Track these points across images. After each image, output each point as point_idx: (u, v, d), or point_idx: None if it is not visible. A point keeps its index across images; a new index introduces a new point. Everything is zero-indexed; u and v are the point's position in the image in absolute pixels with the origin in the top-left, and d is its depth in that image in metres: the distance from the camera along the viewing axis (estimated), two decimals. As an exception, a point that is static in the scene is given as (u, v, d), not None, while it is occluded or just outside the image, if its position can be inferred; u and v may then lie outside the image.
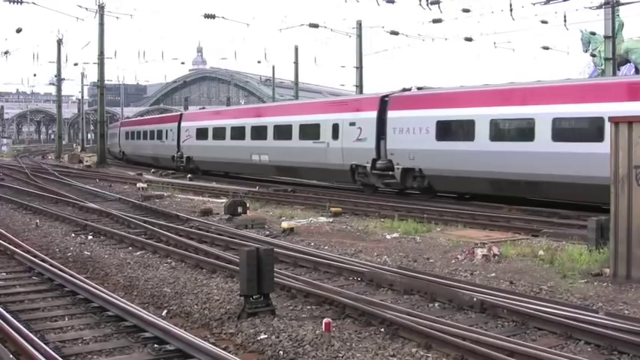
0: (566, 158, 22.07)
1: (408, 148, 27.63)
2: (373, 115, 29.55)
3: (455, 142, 26.16)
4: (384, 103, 29.45)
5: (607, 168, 13.29)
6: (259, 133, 37.39)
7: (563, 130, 22.77)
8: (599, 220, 14.98)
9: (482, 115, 24.90)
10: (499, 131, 24.88)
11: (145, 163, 55.29)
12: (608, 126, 16.78)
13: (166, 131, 50.12)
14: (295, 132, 34.49)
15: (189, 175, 42.08)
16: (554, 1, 34.06)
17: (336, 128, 31.49)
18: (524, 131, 23.83)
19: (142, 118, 74.82)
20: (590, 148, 21.19)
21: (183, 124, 47.19)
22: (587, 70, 67.71)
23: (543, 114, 22.92)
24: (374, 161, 29.27)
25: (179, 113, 53.40)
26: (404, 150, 27.79)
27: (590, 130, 21.81)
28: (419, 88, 29.97)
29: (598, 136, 20.61)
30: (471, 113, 25.44)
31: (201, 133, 43.90)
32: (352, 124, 30.52)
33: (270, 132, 36.47)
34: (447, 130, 26.47)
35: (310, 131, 33.38)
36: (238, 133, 39.44)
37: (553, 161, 22.50)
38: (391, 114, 28.71)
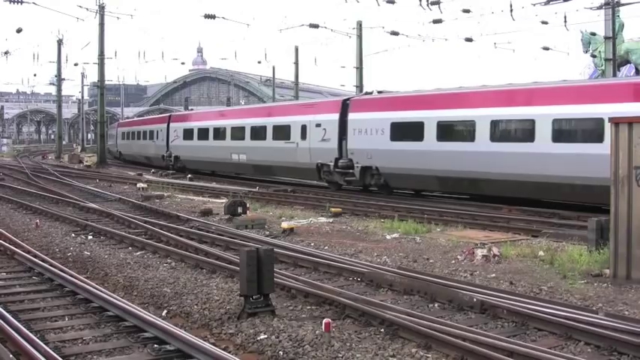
0: (504, 157, 24.01)
1: (366, 148, 29.70)
2: (335, 117, 31.84)
3: (407, 142, 28.03)
4: (345, 106, 31.77)
5: (538, 166, 13.52)
6: (238, 133, 39.83)
7: (501, 132, 24.82)
8: (600, 221, 14.98)
9: (430, 117, 27.08)
10: (445, 132, 26.72)
11: (140, 162, 57.84)
12: (538, 127, 21.96)
13: (157, 132, 52.51)
14: (269, 133, 36.82)
15: (190, 176, 42.16)
16: (554, 2, 34.07)
17: (304, 129, 33.62)
18: (467, 133, 25.78)
19: (137, 119, 75.83)
20: (523, 148, 23.53)
21: (171, 124, 49.55)
22: (587, 70, 67.69)
23: (483, 116, 24.94)
24: (336, 160, 31.38)
25: (168, 115, 56.06)
26: (362, 149, 29.91)
27: (523, 131, 24.04)
28: (379, 92, 32.25)
29: (529, 137, 23.33)
30: (420, 116, 27.57)
31: (188, 134, 46.37)
32: (318, 125, 32.67)
33: (247, 133, 38.90)
34: (399, 131, 28.36)
35: (282, 132, 35.56)
36: (220, 133, 41.99)
37: (491, 160, 24.31)
38: (351, 116, 30.99)
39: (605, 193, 13.31)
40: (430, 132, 26.93)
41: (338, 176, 31.79)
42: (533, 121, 23.18)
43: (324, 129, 32.27)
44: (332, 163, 31.61)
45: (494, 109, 24.81)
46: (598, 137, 20.83)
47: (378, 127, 29.31)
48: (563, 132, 22.86)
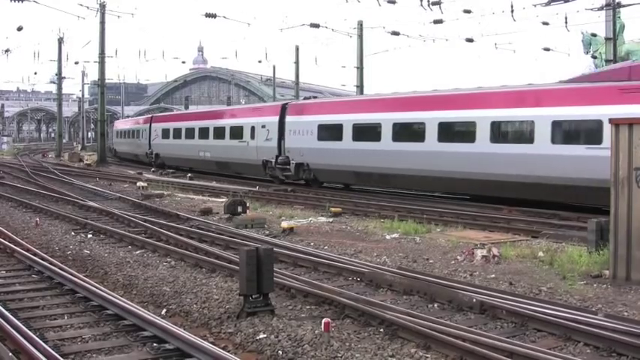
0: (403, 155, 28.03)
1: (299, 147, 34.52)
2: (276, 119, 36.72)
3: (330, 141, 32.44)
4: (284, 110, 36.52)
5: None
6: (204, 133, 44.74)
7: (398, 134, 28.73)
8: (599, 222, 14.97)
9: (348, 120, 31.52)
10: (358, 133, 30.77)
11: (130, 160, 62.01)
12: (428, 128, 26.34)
13: (142, 131, 57.06)
14: (227, 133, 41.92)
15: (190, 175, 42.29)
16: (555, 3, 34.07)
17: (253, 130, 38.67)
18: (374, 133, 29.59)
19: (129, 119, 78.08)
20: (417, 147, 27.57)
21: (152, 125, 54.27)
22: (588, 71, 67.67)
23: (387, 120, 29.16)
24: (277, 157, 36.23)
25: (150, 115, 61.82)
26: (296, 148, 34.76)
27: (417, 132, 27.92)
28: (314, 97, 38.62)
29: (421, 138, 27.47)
30: (340, 119, 32.17)
31: (165, 134, 50.99)
32: (263, 126, 37.69)
33: (211, 133, 43.90)
34: (325, 132, 32.98)
35: (237, 132, 40.60)
36: (190, 133, 46.68)
37: (394, 157, 28.30)
38: (288, 119, 35.94)
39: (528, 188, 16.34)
40: (347, 133, 31.17)
41: (279, 171, 36.28)
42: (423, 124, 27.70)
43: (268, 130, 37.14)
44: (273, 160, 36.36)
45: (396, 114, 29.06)
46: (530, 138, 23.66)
47: (308, 128, 33.93)
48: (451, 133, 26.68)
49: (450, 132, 26.50)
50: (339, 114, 32.84)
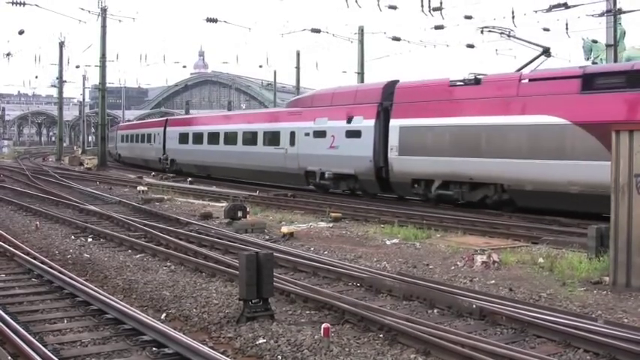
0: (221, 154, 42.29)
1: (171, 148, 51.07)
2: (161, 129, 53.66)
3: (182, 145, 48.96)
4: (166, 122, 54.20)
5: (246, 160, 38.84)
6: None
7: (214, 139, 43.76)
8: (599, 229, 14.96)
9: (189, 130, 48.60)
10: (195, 139, 46.78)
11: (138, 165, 59.91)
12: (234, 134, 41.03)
13: (154, 135, 55.67)
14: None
15: (190, 179, 42.25)
16: (556, 9, 34.10)
17: (156, 136, 54.80)
18: (200, 139, 45.64)
19: (137, 122, 78.61)
20: (232, 148, 40.97)
21: (168, 129, 52.68)
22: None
23: (205, 130, 45.66)
24: (162, 155, 52.29)
25: (165, 119, 58.93)
26: (170, 149, 51.36)
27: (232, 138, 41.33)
28: (187, 113, 61.34)
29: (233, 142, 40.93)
30: (186, 130, 49.33)
31: (180, 138, 50.19)
32: (157, 134, 54.16)
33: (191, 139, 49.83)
34: (181, 138, 49.22)
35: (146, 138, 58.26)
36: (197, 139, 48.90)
37: (214, 155, 43.45)
38: (167, 129, 52.42)
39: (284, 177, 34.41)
40: (190, 139, 47.70)
41: (163, 164, 51.94)
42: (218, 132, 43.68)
43: (157, 136, 54.19)
44: (162, 157, 52.37)
45: (211, 127, 45.39)
46: (277, 142, 36.23)
47: (175, 135, 50.43)
48: (275, 138, 36.49)
49: (248, 138, 39.53)
50: (185, 126, 50.36)
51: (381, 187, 30.09)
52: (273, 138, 36.59)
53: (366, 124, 29.92)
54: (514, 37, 29.22)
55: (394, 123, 28.51)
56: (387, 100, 29.53)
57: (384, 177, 29.21)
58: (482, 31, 31.49)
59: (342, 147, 31.05)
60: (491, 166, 24.67)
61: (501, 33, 29.68)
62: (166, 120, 56.28)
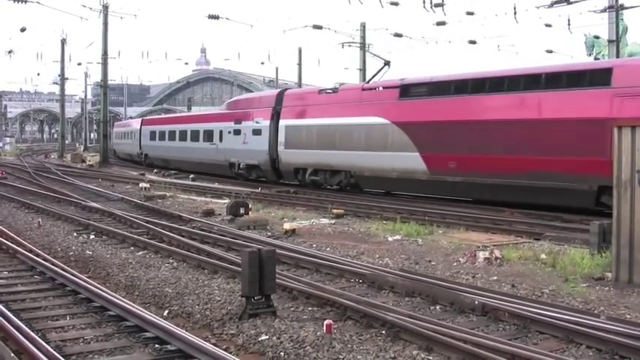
0: (180, 149, 49.20)
1: (145, 144, 57.92)
2: (138, 128, 61.13)
3: (153, 141, 55.55)
4: (142, 122, 61.69)
5: (198, 154, 45.95)
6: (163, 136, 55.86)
7: (182, 136, 49.18)
8: (602, 225, 14.95)
9: (160, 129, 54.78)
10: (162, 136, 53.29)
11: (127, 159, 67.26)
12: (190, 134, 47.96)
13: (134, 133, 63.03)
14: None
15: (192, 176, 42.29)
16: (558, 5, 34.04)
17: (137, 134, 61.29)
18: (170, 136, 51.79)
19: (127, 121, 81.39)
20: (184, 144, 48.53)
21: (142, 127, 60.53)
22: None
23: (176, 128, 51.13)
24: (139, 150, 59.93)
25: (141, 119, 68.04)
26: (144, 145, 58.60)
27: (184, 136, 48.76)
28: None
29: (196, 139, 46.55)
30: (157, 129, 55.57)
31: (149, 135, 57.80)
32: (145, 131, 59.09)
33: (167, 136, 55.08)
34: (152, 136, 55.88)
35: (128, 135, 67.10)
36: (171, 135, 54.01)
37: (175, 150, 50.63)
38: (142, 128, 59.61)
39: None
40: (157, 136, 54.56)
41: (141, 159, 58.61)
42: (186, 131, 48.75)
43: (135, 134, 61.93)
44: (139, 152, 59.82)
45: (170, 126, 52.50)
46: (211, 139, 43.51)
47: (147, 133, 57.40)
48: (228, 136, 41.20)
49: (194, 136, 46.41)
50: (156, 125, 56.61)
51: (276, 175, 36.83)
52: (209, 136, 43.86)
53: (264, 124, 37.08)
54: (368, 50, 43.98)
55: (282, 123, 35.71)
56: (279, 105, 36.54)
57: (277, 167, 36.18)
58: (342, 46, 43.78)
59: (250, 143, 38.35)
60: (343, 157, 31.21)
61: (359, 46, 44.75)
62: (142, 120, 64.91)
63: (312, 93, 35.95)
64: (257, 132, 37.66)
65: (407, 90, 28.55)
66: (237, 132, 39.87)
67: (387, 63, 33.69)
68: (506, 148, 23.97)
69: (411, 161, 27.19)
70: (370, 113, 29.65)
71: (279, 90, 40.17)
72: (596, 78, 22.41)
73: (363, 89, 31.59)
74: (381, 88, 30.62)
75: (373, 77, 33.91)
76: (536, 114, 23.57)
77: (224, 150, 41.58)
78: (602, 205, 21.04)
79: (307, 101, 35.14)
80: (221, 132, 42.04)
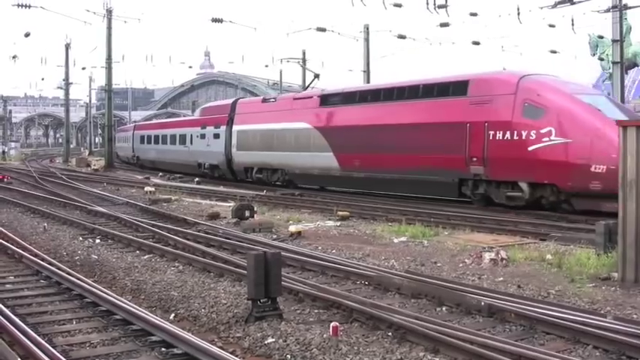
0: (163, 151, 54.58)
1: (137, 147, 62.20)
2: (131, 133, 65.85)
3: (142, 145, 60.59)
4: (135, 127, 67.38)
5: (180, 156, 50.60)
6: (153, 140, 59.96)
7: (164, 140, 53.95)
8: (608, 225, 14.91)
9: (149, 134, 58.93)
10: (148, 140, 58.65)
11: (124, 161, 70.97)
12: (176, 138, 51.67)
13: (129, 137, 67.67)
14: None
15: (197, 179, 42.36)
16: (561, 5, 34.03)
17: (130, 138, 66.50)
18: (158, 140, 55.49)
19: (125, 127, 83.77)
20: (165, 147, 53.45)
21: (135, 132, 65.42)
22: (595, 74, 67.55)
23: (160, 133, 56.10)
24: (133, 153, 64.39)
25: (134, 124, 74.64)
26: (136, 148, 62.81)
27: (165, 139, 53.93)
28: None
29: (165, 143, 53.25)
30: (148, 133, 59.43)
31: (140, 139, 62.85)
32: (136, 135, 63.51)
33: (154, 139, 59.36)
34: (141, 140, 61.26)
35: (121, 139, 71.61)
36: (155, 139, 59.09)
37: (158, 153, 55.90)
38: (135, 132, 64.51)
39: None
40: (145, 140, 59.31)
41: (134, 160, 63.56)
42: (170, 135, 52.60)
43: (129, 138, 65.98)
44: (132, 155, 64.35)
45: (155, 131, 57.77)
46: (184, 142, 48.91)
47: (138, 138, 62.00)
48: (197, 139, 46.31)
49: (172, 140, 51.33)
50: (149, 130, 60.45)
51: (231, 173, 41.95)
52: (182, 139, 49.24)
53: (222, 129, 42.49)
54: (303, 66, 57.51)
55: (234, 128, 41.12)
56: (233, 112, 42.05)
57: (231, 166, 41.52)
58: (281, 61, 52.39)
59: (212, 145, 43.63)
60: (279, 158, 36.07)
61: (298, 62, 54.12)
62: (134, 125, 71.21)
63: (257, 102, 42.15)
64: (217, 136, 43.18)
65: (325, 99, 33.72)
66: (202, 136, 45.45)
67: (316, 75, 41.84)
68: (395, 148, 28.16)
69: (327, 160, 32.05)
70: (298, 119, 34.75)
71: (233, 100, 46.97)
72: (457, 89, 26.29)
73: (294, 98, 37.25)
74: (306, 98, 35.82)
75: (307, 87, 41.30)
76: (415, 119, 27.65)
77: (193, 152, 46.84)
78: (464, 196, 25.99)
79: (254, 109, 40.38)
80: (191, 136, 47.48)
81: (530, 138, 22.85)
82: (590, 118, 22.16)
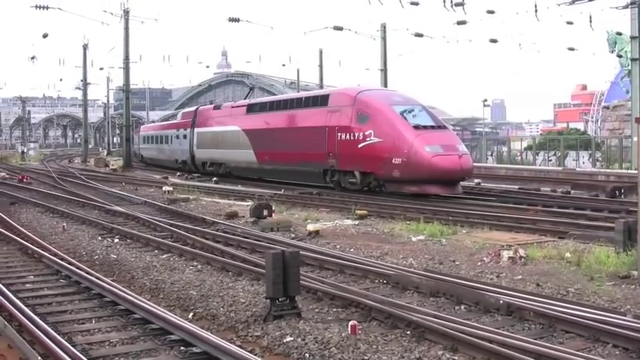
0: (156, 150, 61.41)
1: (141, 146, 68.40)
2: (136, 134, 72.24)
3: (144, 144, 66.47)
4: (139, 129, 74.71)
5: (168, 153, 58.02)
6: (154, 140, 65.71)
7: (157, 140, 60.85)
8: (627, 222, 14.84)
9: (152, 135, 63.81)
10: (149, 140, 64.44)
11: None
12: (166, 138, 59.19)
13: (134, 137, 72.82)
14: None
15: (215, 179, 42.41)
16: (579, 2, 33.91)
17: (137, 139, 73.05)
18: (157, 140, 60.88)
19: (144, 126, 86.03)
20: (162, 146, 58.51)
21: (140, 133, 71.50)
22: (613, 71, 67.17)
23: (160, 133, 60.71)
24: (139, 152, 68.72)
25: (141, 126, 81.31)
26: (140, 147, 68.28)
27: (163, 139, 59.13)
28: (153, 121, 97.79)
29: (165, 141, 58.11)
30: (150, 134, 64.47)
31: (143, 139, 68.86)
32: (140, 135, 70.23)
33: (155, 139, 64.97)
34: (143, 139, 67.13)
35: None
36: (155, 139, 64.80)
37: (154, 151, 62.69)
38: (140, 132, 70.36)
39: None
40: (146, 140, 65.20)
41: (139, 159, 67.46)
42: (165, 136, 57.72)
43: (136, 138, 71.37)
44: (137, 152, 68.64)
45: (152, 132, 64.17)
46: (168, 142, 56.56)
47: (141, 137, 68.18)
48: (174, 140, 53.91)
49: (162, 139, 57.90)
50: (146, 131, 67.91)
51: (194, 168, 49.02)
52: (166, 139, 56.76)
53: (188, 131, 50.65)
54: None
55: (195, 130, 49.26)
56: (195, 117, 50.25)
57: (194, 162, 49.36)
58: (251, 89, 55.84)
59: (182, 144, 51.66)
60: (221, 154, 44.16)
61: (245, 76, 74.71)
62: (140, 127, 78.15)
63: (211, 109, 49.58)
64: (185, 137, 51.50)
65: (250, 108, 42.25)
66: (177, 137, 53.56)
67: (252, 88, 54.85)
68: (285, 146, 35.87)
69: (250, 156, 39.87)
70: (233, 123, 42.95)
71: (196, 107, 56.54)
72: (323, 101, 34.02)
73: (232, 107, 45.54)
74: (239, 107, 44.00)
75: (246, 97, 50.04)
76: (296, 123, 36.31)
77: (173, 150, 54.73)
78: (331, 182, 32.79)
79: (208, 115, 48.19)
80: (171, 137, 55.31)
81: (360, 138, 30.20)
82: (395, 124, 29.21)
